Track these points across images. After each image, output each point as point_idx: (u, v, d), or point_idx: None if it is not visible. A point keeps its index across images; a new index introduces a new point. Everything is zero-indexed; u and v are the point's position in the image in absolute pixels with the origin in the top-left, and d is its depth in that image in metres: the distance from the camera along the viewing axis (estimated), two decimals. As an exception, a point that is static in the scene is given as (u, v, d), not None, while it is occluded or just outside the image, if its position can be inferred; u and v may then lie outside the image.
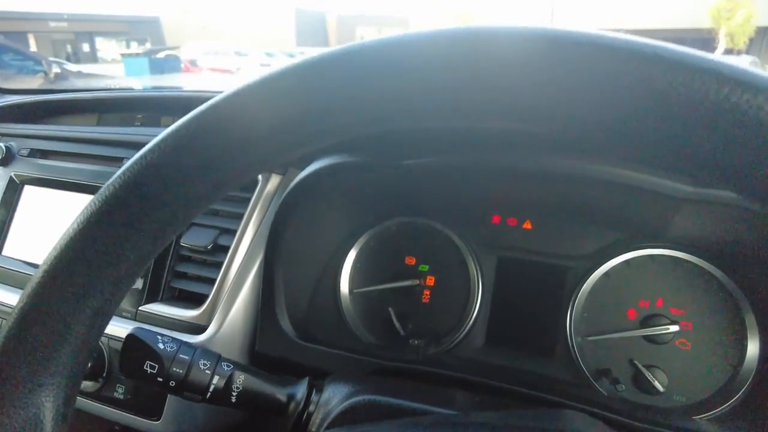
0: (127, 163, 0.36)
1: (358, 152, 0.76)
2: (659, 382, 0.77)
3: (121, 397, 0.87)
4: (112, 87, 1.44)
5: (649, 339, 0.80)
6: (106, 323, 0.39)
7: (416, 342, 0.83)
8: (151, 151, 0.36)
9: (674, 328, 0.78)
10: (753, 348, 0.76)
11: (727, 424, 0.73)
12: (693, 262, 0.79)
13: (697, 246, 0.79)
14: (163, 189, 0.35)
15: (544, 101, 0.28)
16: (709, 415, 0.76)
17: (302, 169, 0.81)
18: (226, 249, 0.89)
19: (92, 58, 27.73)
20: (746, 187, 0.26)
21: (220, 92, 0.34)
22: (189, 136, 0.35)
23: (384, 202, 0.93)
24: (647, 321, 0.80)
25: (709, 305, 0.79)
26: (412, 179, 0.81)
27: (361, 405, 0.60)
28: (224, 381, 0.63)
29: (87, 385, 0.89)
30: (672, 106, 0.25)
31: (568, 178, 0.70)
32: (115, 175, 0.36)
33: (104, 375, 0.88)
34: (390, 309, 0.92)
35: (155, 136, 0.35)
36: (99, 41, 29.49)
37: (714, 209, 0.65)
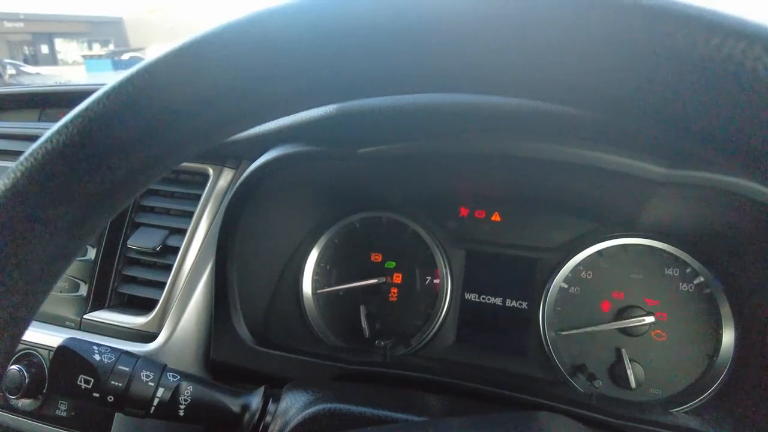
0: (31, 147, 0.31)
1: (312, 141, 0.71)
2: (636, 375, 0.75)
3: (64, 414, 0.80)
4: (59, 83, 1.35)
5: (625, 331, 0.77)
6: (20, 334, 0.34)
7: (382, 343, 0.78)
8: (57, 133, 0.31)
9: (649, 319, 0.75)
10: (728, 337, 0.74)
11: (704, 416, 0.71)
12: (667, 250, 0.77)
13: (671, 234, 0.77)
14: (74, 177, 0.30)
15: (517, 64, 0.24)
16: (687, 407, 0.73)
17: (255, 160, 0.75)
18: (176, 250, 0.83)
19: (52, 60, 26.79)
20: (742, 155, 0.22)
21: None
22: (103, 114, 0.30)
23: (346, 197, 0.88)
24: (622, 313, 0.78)
25: (683, 295, 0.76)
26: (373, 170, 0.76)
27: (321, 414, 0.55)
28: (170, 393, 0.58)
29: (25, 403, 0.81)
30: (656, 60, 0.21)
31: (536, 163, 0.66)
32: (17, 162, 0.31)
33: (44, 391, 0.81)
34: (361, 307, 0.87)
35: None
36: (59, 42, 28.51)
37: (688, 192, 0.62)
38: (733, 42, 0.20)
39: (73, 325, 0.85)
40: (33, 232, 0.30)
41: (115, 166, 0.31)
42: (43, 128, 1.06)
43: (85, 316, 0.85)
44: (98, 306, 0.87)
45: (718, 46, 0.20)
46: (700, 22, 0.21)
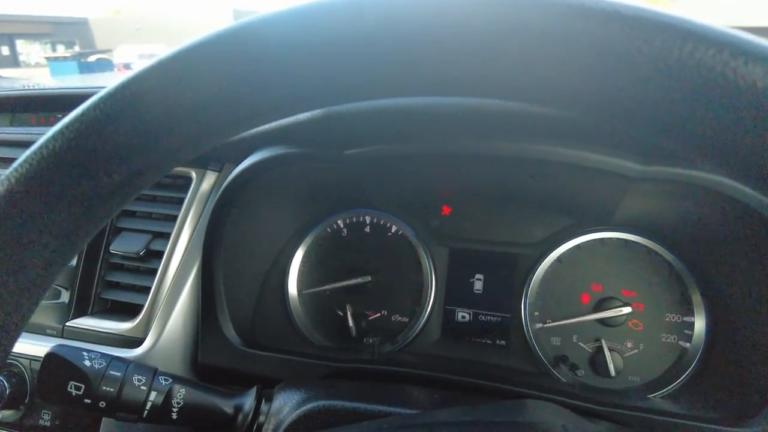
0: (25, 154, 0.31)
1: (299, 143, 0.71)
2: (615, 364, 0.78)
3: (48, 424, 0.79)
4: (29, 86, 1.32)
5: (604, 322, 0.80)
6: (12, 342, 0.34)
7: (371, 340, 0.79)
8: (53, 139, 0.30)
9: (627, 309, 0.78)
10: (700, 325, 0.77)
11: (680, 399, 0.75)
12: (642, 243, 0.80)
13: (646, 228, 0.80)
14: (70, 183, 0.30)
15: (501, 69, 0.26)
16: (663, 392, 0.77)
17: (239, 163, 0.76)
18: (160, 254, 0.83)
19: (13, 62, 25.90)
20: (715, 152, 0.24)
21: None
22: (97, 122, 0.30)
23: (330, 197, 0.89)
24: (601, 304, 0.81)
25: (658, 285, 0.80)
26: (358, 171, 0.77)
27: (315, 411, 0.56)
28: (163, 396, 0.58)
29: (6, 414, 0.80)
30: (635, 66, 0.23)
31: (516, 161, 0.69)
32: (10, 169, 0.30)
33: (26, 401, 0.79)
34: (347, 306, 0.88)
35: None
36: (20, 44, 27.56)
37: (661, 187, 0.65)
38: (703, 48, 0.21)
39: (54, 333, 0.84)
40: (28, 238, 0.31)
41: (111, 171, 0.31)
42: (15, 133, 1.04)
43: (67, 324, 0.83)
44: (81, 313, 0.85)
45: (691, 52, 0.21)
46: (675, 30, 0.22)
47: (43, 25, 28.05)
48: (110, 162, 0.30)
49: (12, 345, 0.33)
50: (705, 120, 0.23)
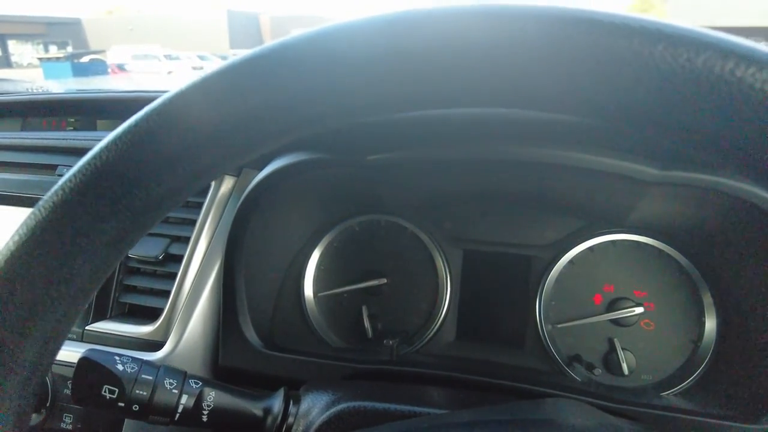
0: (78, 165, 0.31)
1: (321, 149, 0.73)
2: (628, 362, 0.79)
3: (70, 427, 0.80)
4: (35, 90, 1.33)
5: (616, 322, 0.82)
6: (59, 348, 0.35)
7: (390, 342, 0.81)
8: (106, 149, 0.31)
9: (639, 309, 0.80)
10: (711, 324, 0.79)
11: (692, 397, 0.76)
12: (653, 245, 0.82)
13: (657, 230, 0.82)
14: (122, 192, 0.31)
15: (543, 84, 0.27)
16: (675, 390, 0.78)
17: (260, 168, 0.77)
18: (179, 258, 0.83)
19: (5, 62, 25.72)
20: (752, 167, 0.25)
21: (161, 93, 0.31)
22: (150, 133, 0.31)
23: (346, 201, 0.91)
24: (613, 305, 0.82)
25: (669, 286, 0.81)
26: (375, 176, 0.78)
27: (346, 413, 0.57)
28: (194, 400, 0.59)
29: (28, 417, 0.80)
30: (677, 83, 0.24)
31: (533, 166, 0.70)
32: (64, 179, 0.31)
33: (48, 405, 0.80)
34: (363, 308, 0.89)
35: (92, 140, 0.32)
36: (12, 44, 27.36)
37: (678, 192, 0.67)
38: (744, 66, 0.23)
39: (75, 336, 0.85)
40: (79, 247, 0.31)
41: (160, 181, 0.31)
42: (26, 138, 1.04)
43: (87, 328, 0.84)
44: (100, 317, 0.86)
45: (732, 70, 0.23)
46: (717, 48, 0.24)
47: (35, 26, 27.83)
48: (160, 172, 0.31)
49: (58, 350, 0.35)
50: (743, 133, 0.24)
